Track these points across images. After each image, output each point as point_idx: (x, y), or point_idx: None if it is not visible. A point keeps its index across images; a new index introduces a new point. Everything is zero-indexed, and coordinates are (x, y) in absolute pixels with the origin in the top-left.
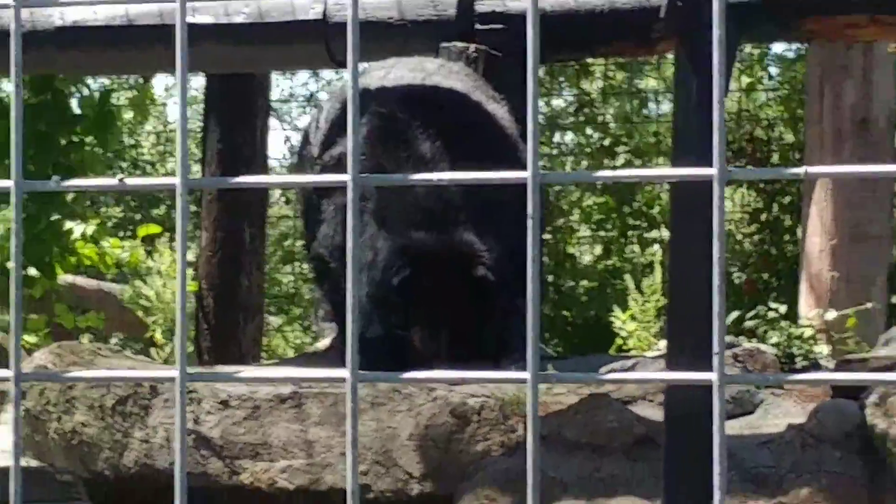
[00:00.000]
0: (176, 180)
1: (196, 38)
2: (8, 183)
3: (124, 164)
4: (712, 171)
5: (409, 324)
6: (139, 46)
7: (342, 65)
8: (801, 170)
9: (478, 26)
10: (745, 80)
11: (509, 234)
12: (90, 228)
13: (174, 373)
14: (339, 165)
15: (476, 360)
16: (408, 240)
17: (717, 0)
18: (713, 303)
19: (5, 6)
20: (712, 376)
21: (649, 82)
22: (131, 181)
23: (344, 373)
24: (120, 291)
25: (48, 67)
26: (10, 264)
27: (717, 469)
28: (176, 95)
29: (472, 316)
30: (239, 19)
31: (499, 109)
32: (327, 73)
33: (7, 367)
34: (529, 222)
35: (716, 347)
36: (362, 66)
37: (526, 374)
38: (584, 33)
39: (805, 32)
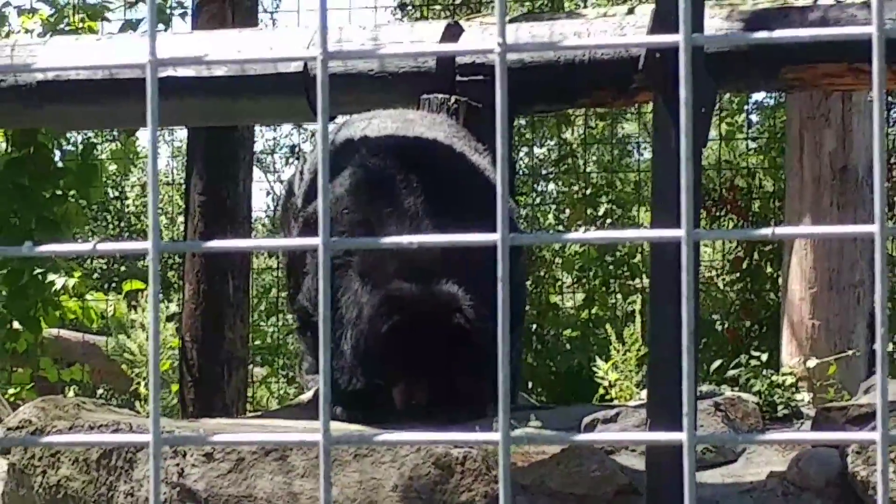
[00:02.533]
0: (148, 244)
1: (178, 92)
2: None
3: (109, 217)
4: (681, 232)
5: (389, 374)
6: (120, 101)
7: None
8: (768, 230)
9: (458, 78)
10: (725, 127)
11: (490, 285)
12: (72, 281)
13: (147, 437)
14: (328, 210)
15: (458, 407)
16: (392, 290)
17: (682, 61)
18: (682, 363)
19: None
20: (682, 436)
21: (630, 128)
22: (103, 246)
23: (316, 437)
24: (105, 343)
25: (30, 121)
26: None
27: None
28: (159, 146)
29: (453, 364)
30: (220, 72)
31: (481, 160)
32: (312, 124)
33: None
34: (500, 285)
35: (685, 408)
36: (343, 118)
37: (497, 436)
38: (564, 84)
39: (784, 82)
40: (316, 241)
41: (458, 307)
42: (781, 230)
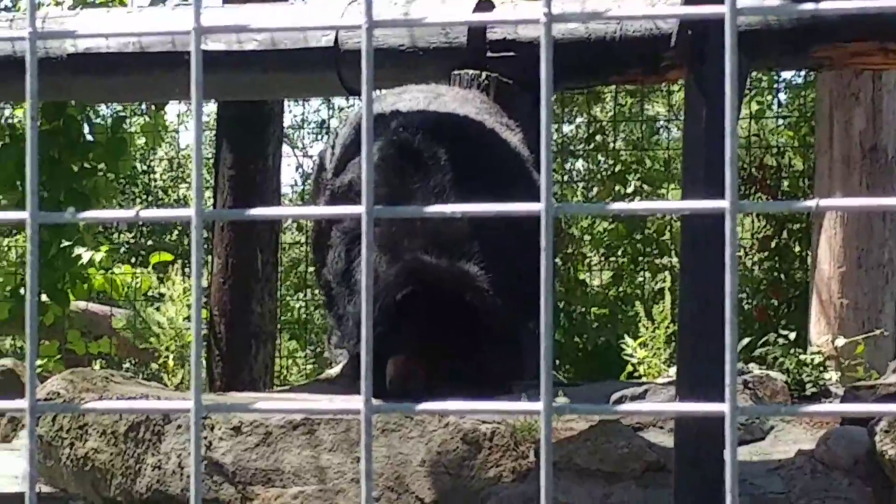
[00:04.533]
0: (191, 212)
1: (208, 66)
2: (23, 215)
3: (136, 190)
4: (724, 203)
5: (396, 344)
6: (151, 73)
7: (353, 92)
8: (812, 202)
9: (489, 54)
10: (755, 105)
11: (514, 262)
12: (99, 255)
13: (189, 404)
14: (350, 191)
15: (477, 384)
16: (410, 262)
17: (728, 33)
18: (725, 335)
19: (20, 38)
20: (724, 407)
21: (658, 109)
22: (147, 213)
23: (358, 404)
24: (125, 317)
25: (61, 94)
26: (24, 291)
27: (729, 499)
28: (189, 121)
29: (462, 342)
30: (251, 47)
31: (512, 137)
32: (340, 100)
33: (22, 394)
34: (543, 255)
35: (727, 379)
36: (375, 93)
37: (539, 406)
38: (595, 61)
39: (814, 60)
40: (359, 209)
41: (473, 286)
42: (826, 202)
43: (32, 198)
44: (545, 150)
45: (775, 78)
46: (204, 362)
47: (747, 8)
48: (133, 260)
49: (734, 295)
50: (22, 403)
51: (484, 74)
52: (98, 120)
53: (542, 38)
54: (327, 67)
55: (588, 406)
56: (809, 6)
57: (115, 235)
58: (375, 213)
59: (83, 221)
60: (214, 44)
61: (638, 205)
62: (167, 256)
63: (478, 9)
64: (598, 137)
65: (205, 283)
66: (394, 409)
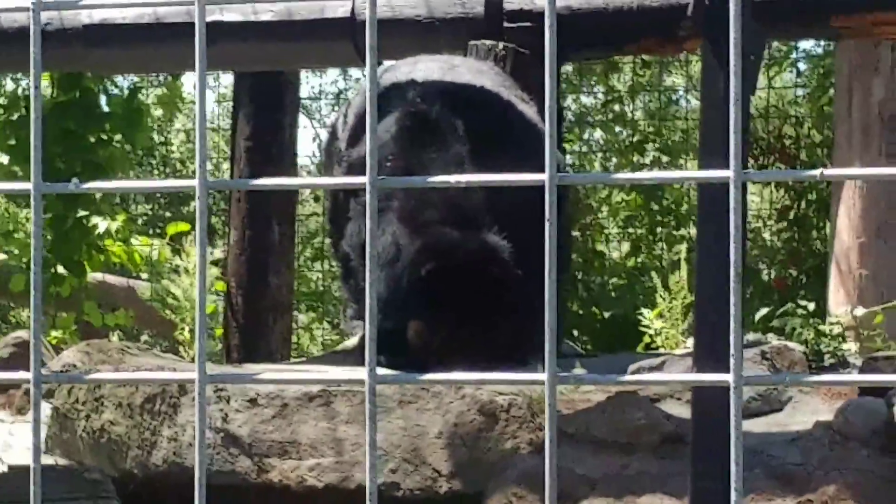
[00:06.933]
0: (195, 182)
1: (224, 36)
2: (27, 185)
3: (154, 162)
4: (729, 173)
5: (421, 317)
6: (167, 44)
7: None
8: (816, 172)
9: (506, 24)
10: (773, 75)
11: (533, 233)
12: (115, 225)
13: (193, 374)
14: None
15: (496, 356)
16: (432, 236)
17: (733, 5)
18: (730, 305)
19: (23, 9)
20: (729, 378)
21: (676, 79)
22: (150, 183)
23: (361, 376)
24: (147, 289)
25: (76, 65)
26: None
27: (734, 470)
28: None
29: (489, 314)
30: (267, 17)
31: (528, 109)
32: (356, 71)
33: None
34: (547, 224)
35: (732, 349)
36: (388, 62)
37: (543, 376)
38: (611, 31)
39: (833, 30)
40: (363, 180)
41: (497, 258)
42: (830, 171)
43: (36, 168)
44: (549, 121)
45: (793, 48)
46: (221, 334)
47: None
48: (151, 231)
49: (738, 264)
50: (26, 375)
51: (501, 45)
52: (115, 91)
53: (546, 11)
54: (344, 37)
55: (592, 376)
56: None
57: (133, 207)
58: (379, 184)
59: (87, 192)
60: (230, 14)
61: (643, 175)
62: (184, 227)
63: None
64: (617, 107)
65: (221, 255)
66: (397, 380)
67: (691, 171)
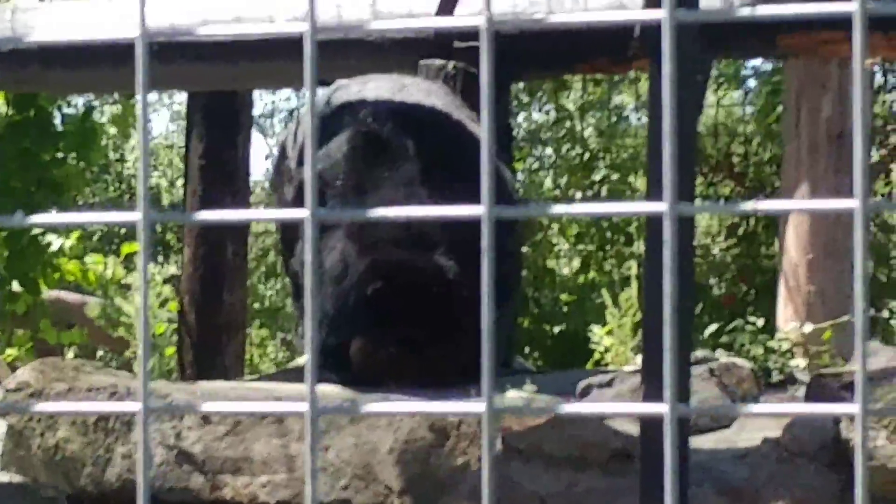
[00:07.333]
0: (138, 215)
1: (177, 56)
2: None
3: (109, 178)
4: (664, 206)
5: (366, 335)
6: (120, 65)
7: (324, 83)
8: (751, 204)
9: (456, 44)
10: (723, 95)
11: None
12: (69, 242)
13: (137, 406)
14: (316, 181)
15: (441, 375)
16: (380, 256)
17: (665, 41)
18: (664, 335)
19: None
20: (664, 408)
21: (625, 98)
22: (94, 215)
23: (303, 406)
24: (95, 307)
25: (30, 86)
26: None
27: (669, 500)
28: (160, 110)
29: (436, 332)
30: (219, 37)
31: (477, 129)
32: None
33: None
34: (484, 258)
35: (667, 379)
36: (338, 81)
37: (482, 407)
38: (560, 50)
39: (780, 49)
40: (304, 213)
41: (443, 278)
42: (764, 204)
43: None
44: (486, 153)
45: (741, 65)
46: (174, 351)
47: (685, 12)
48: (106, 248)
49: (674, 297)
50: None
51: (451, 64)
52: (69, 110)
53: (481, 41)
54: (295, 58)
55: (531, 408)
56: (746, 11)
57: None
58: (319, 216)
59: (33, 226)
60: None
61: (580, 207)
62: (137, 247)
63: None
64: (567, 124)
65: (175, 271)
66: (338, 411)
67: (627, 204)
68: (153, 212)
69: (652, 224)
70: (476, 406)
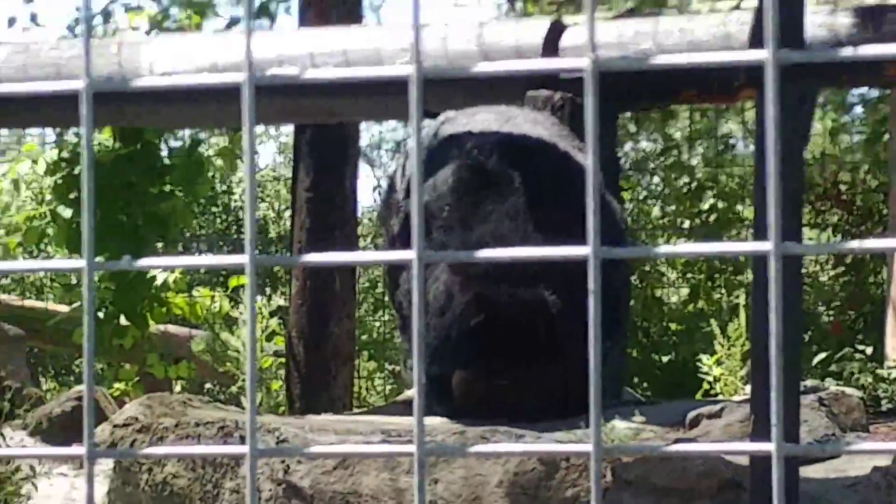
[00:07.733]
0: (245, 258)
1: (282, 92)
2: (80, 263)
3: (216, 210)
4: (769, 246)
5: (468, 368)
6: (226, 102)
7: (429, 114)
8: (854, 243)
9: (563, 74)
10: (829, 123)
11: (585, 285)
12: (173, 277)
13: (245, 449)
14: (424, 214)
15: (542, 409)
16: (485, 289)
17: (769, 81)
18: (770, 375)
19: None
20: (771, 447)
21: (732, 126)
22: (200, 260)
23: (411, 448)
24: (209, 340)
25: (137, 121)
26: (102, 315)
27: None
28: (266, 142)
29: (537, 367)
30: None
31: (584, 159)
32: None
33: (100, 420)
34: (591, 298)
35: (773, 419)
36: (446, 113)
37: (589, 447)
38: (668, 80)
39: (888, 77)
40: (411, 254)
41: (546, 313)
42: (869, 243)
43: (89, 246)
44: (592, 191)
45: (847, 93)
46: (283, 385)
47: (788, 53)
48: (214, 280)
49: (779, 336)
50: (79, 450)
51: (558, 95)
52: (176, 142)
53: (586, 83)
54: (400, 94)
55: (638, 447)
56: (848, 51)
57: (195, 256)
58: (426, 259)
59: (140, 269)
60: (290, 69)
61: (683, 248)
62: (245, 280)
63: (549, 30)
64: (674, 153)
65: (283, 303)
66: (445, 451)
67: (730, 245)
68: (259, 254)
69: (758, 259)
70: (583, 447)
